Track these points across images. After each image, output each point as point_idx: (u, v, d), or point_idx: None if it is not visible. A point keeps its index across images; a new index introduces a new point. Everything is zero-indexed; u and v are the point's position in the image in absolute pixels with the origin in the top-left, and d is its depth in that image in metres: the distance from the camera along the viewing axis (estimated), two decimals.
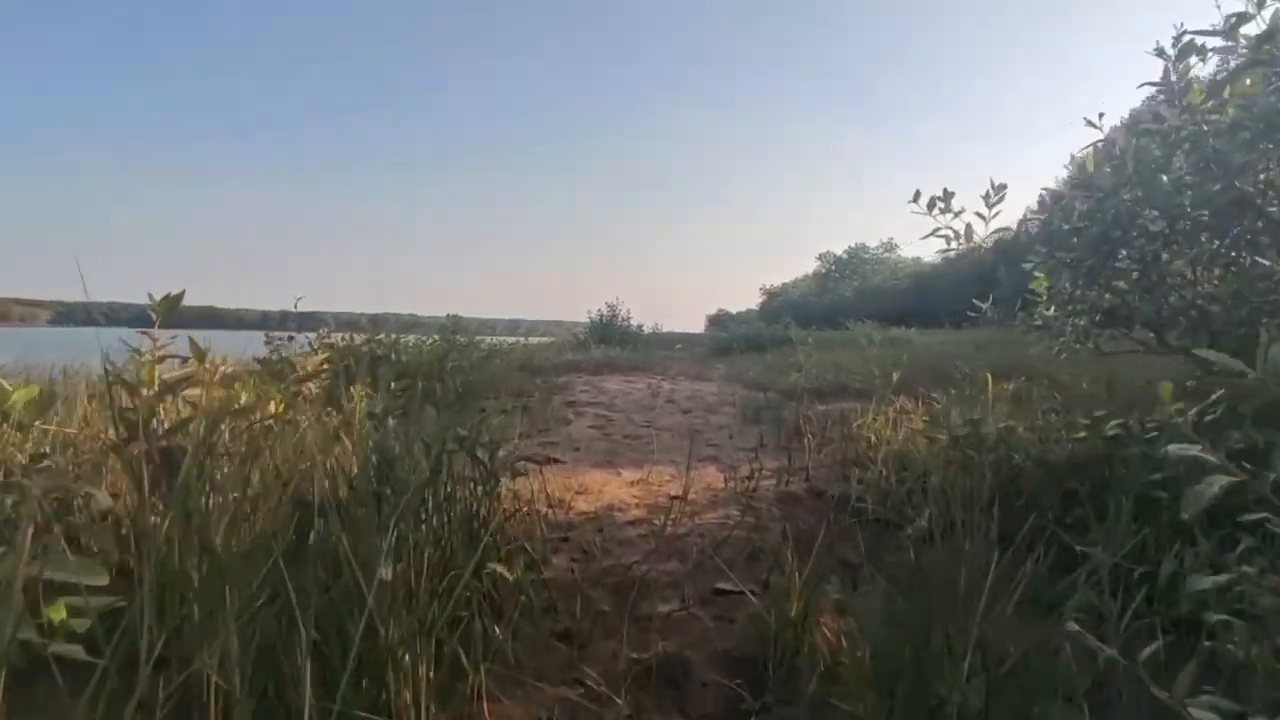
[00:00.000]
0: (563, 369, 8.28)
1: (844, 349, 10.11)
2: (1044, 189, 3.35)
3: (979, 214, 2.78)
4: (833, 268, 53.22)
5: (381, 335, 5.33)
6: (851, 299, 44.92)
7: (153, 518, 1.37)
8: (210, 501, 1.44)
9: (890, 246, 50.47)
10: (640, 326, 13.32)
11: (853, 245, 52.43)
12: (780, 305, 56.42)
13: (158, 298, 1.73)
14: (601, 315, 12.84)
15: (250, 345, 5.01)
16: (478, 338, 11.08)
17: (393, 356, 4.57)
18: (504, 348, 12.89)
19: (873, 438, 3.49)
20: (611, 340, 11.42)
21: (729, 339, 11.23)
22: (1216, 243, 2.56)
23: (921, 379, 6.15)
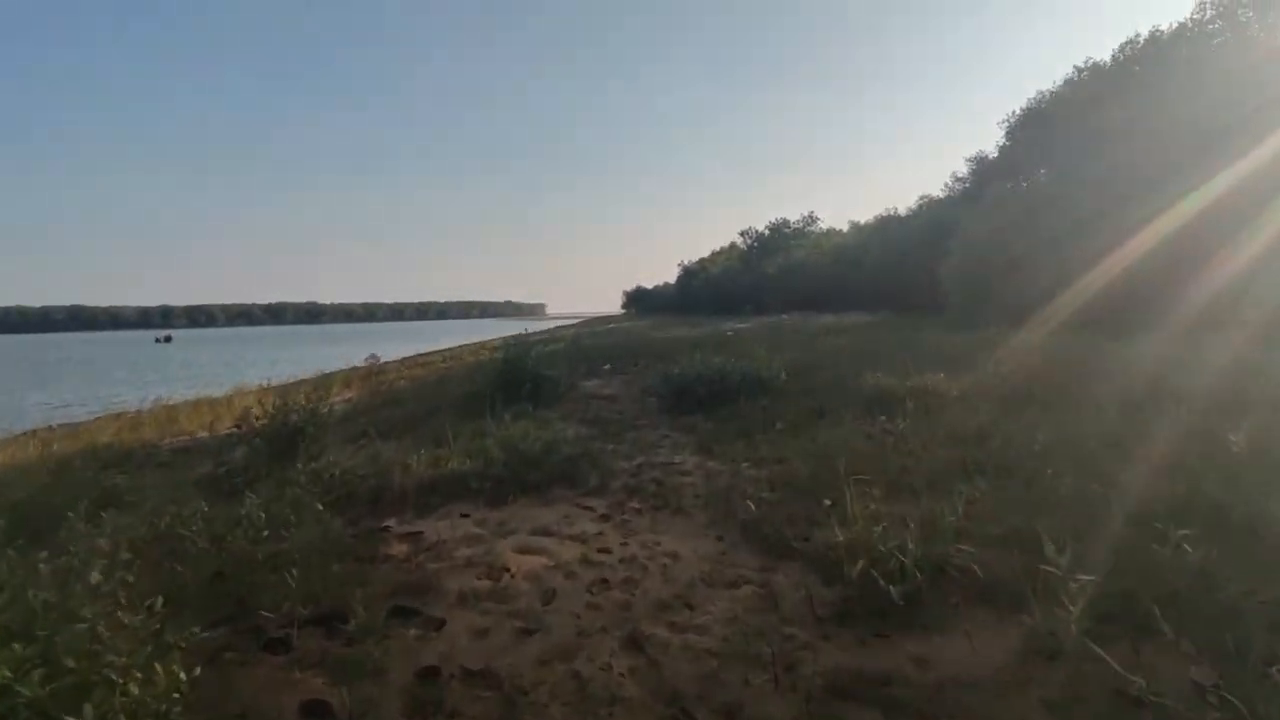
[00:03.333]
0: (439, 492, 4.98)
1: (838, 395, 7.29)
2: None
3: None
4: (755, 244, 51.16)
5: None
6: (776, 276, 43.10)
7: None
8: None
9: (811, 219, 49.04)
10: (555, 331, 10.08)
11: (774, 220, 50.53)
12: (700, 285, 54.01)
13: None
14: (509, 344, 9.21)
15: None
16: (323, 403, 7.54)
17: None
18: (355, 435, 9.31)
19: None
20: (520, 393, 8.08)
21: (682, 380, 8.25)
22: None
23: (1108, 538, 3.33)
